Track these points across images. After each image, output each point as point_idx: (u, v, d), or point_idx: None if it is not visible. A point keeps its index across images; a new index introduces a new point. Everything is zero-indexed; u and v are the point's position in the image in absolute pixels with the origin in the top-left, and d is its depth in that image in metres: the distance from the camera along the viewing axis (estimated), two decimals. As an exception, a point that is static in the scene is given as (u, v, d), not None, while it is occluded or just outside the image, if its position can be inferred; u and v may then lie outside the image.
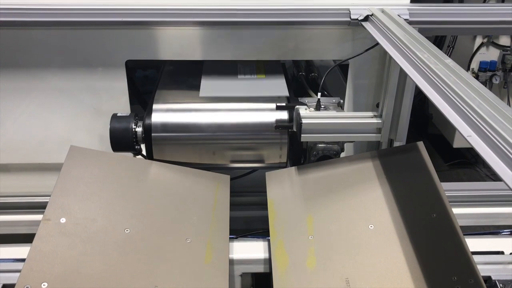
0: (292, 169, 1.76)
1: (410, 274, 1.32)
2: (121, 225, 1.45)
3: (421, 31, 1.63)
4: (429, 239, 1.40)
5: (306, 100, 1.84)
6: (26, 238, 1.51)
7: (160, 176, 1.68)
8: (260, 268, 1.73)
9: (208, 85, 1.88)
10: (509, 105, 3.47)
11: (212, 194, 1.69)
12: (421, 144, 1.65)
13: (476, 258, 1.30)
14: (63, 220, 1.38)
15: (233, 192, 2.16)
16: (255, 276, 1.85)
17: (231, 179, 1.82)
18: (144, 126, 1.74)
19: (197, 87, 1.86)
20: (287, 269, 1.45)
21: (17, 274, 1.23)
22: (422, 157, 1.61)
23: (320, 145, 1.76)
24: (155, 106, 1.76)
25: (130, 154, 1.83)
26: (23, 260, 1.27)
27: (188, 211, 1.59)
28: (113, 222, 1.45)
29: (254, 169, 2.03)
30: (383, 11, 1.76)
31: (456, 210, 1.45)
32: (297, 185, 1.71)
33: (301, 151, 1.81)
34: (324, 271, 1.41)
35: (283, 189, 1.72)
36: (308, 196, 1.65)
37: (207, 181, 1.73)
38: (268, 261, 1.72)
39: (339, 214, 1.56)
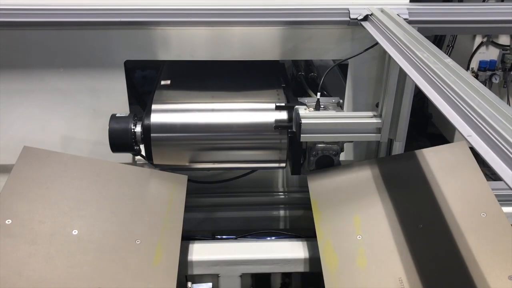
0: (335, 169, 1.76)
1: (464, 273, 1.31)
2: (69, 226, 1.43)
3: (420, 30, 1.62)
4: (480, 239, 1.38)
5: (305, 100, 1.83)
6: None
7: (115, 177, 1.66)
8: (259, 269, 1.73)
9: None
10: (509, 105, 3.46)
11: (168, 194, 1.68)
12: (465, 144, 1.65)
13: (476, 258, 1.30)
14: (8, 221, 1.37)
15: (233, 193, 2.17)
16: (255, 276, 1.85)
17: (231, 179, 1.81)
18: (143, 127, 1.73)
19: (195, 88, 1.86)
20: (338, 269, 1.44)
21: None
22: (469, 157, 1.60)
23: (319, 145, 1.76)
24: (154, 107, 1.76)
25: (129, 155, 1.83)
26: None
27: (141, 212, 1.58)
28: (61, 223, 1.43)
29: (253, 170, 2.03)
30: (382, 10, 1.76)
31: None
32: (342, 185, 1.70)
33: (301, 151, 1.80)
34: (376, 270, 1.40)
35: (326, 189, 1.71)
36: (353, 196, 1.64)
37: (163, 181, 1.72)
38: (268, 262, 1.72)
39: (387, 213, 1.55)
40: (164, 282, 1.40)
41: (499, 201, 1.90)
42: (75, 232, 1.42)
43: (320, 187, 1.72)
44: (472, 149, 0.96)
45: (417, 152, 1.72)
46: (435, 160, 1.66)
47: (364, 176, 1.70)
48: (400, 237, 1.46)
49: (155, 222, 1.56)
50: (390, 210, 1.55)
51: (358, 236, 1.50)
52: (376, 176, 1.69)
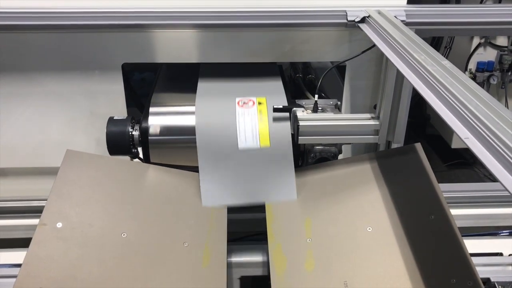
0: None
1: (408, 276, 1.31)
2: (118, 229, 1.44)
3: (418, 32, 1.63)
4: (427, 241, 1.39)
5: (303, 102, 1.83)
6: (24, 243, 1.50)
7: (158, 180, 1.67)
8: (258, 271, 1.72)
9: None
10: (507, 106, 3.46)
11: None
12: (418, 146, 1.65)
13: (474, 260, 1.30)
14: (59, 224, 1.38)
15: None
16: (254, 279, 1.85)
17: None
18: (140, 129, 1.73)
19: (193, 90, 1.86)
20: (285, 272, 1.44)
21: (14, 280, 1.23)
22: (420, 159, 1.60)
23: (317, 147, 1.76)
24: (151, 109, 1.76)
25: (127, 158, 1.83)
26: (20, 265, 1.27)
27: (186, 214, 1.59)
28: (110, 226, 1.44)
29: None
30: (379, 12, 1.76)
31: (454, 211, 1.45)
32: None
33: (299, 154, 1.80)
34: (323, 273, 1.40)
35: None
36: (306, 199, 1.65)
37: None
38: (267, 264, 1.72)
39: (337, 216, 1.55)
40: (214, 285, 1.41)
41: (498, 202, 1.92)
42: (124, 235, 1.43)
43: None
44: (469, 150, 0.96)
45: (370, 154, 1.73)
46: (387, 162, 1.67)
47: (317, 179, 1.70)
48: (349, 240, 1.47)
49: (200, 224, 1.56)
50: (340, 213, 1.55)
51: (308, 239, 1.50)
52: (328, 179, 1.69)
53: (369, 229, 1.47)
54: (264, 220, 1.63)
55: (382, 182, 1.60)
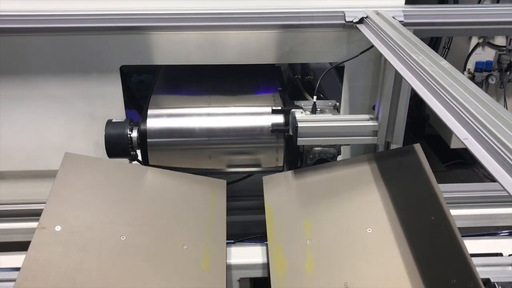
0: (289, 173, 1.76)
1: (409, 277, 1.31)
2: (117, 232, 1.44)
3: (416, 32, 1.62)
4: (427, 242, 1.39)
5: (302, 103, 1.83)
6: (22, 246, 1.50)
7: (156, 182, 1.67)
8: (258, 273, 1.72)
9: None
10: (505, 106, 3.45)
11: (209, 199, 1.68)
12: (418, 146, 1.64)
13: (474, 260, 1.30)
14: (58, 228, 1.37)
15: (230, 197, 2.15)
16: (254, 280, 1.85)
17: (228, 183, 1.81)
18: (139, 132, 1.72)
19: (191, 92, 1.85)
20: (286, 274, 1.44)
21: (13, 284, 1.22)
22: (419, 159, 1.60)
23: (316, 149, 1.76)
24: (150, 112, 1.75)
25: (126, 160, 1.82)
26: (18, 269, 1.26)
27: (185, 217, 1.58)
28: (109, 229, 1.44)
29: (250, 174, 2.02)
30: (377, 13, 1.76)
31: (454, 212, 1.45)
32: (294, 189, 1.70)
33: (298, 155, 1.80)
34: (323, 275, 1.40)
35: (281, 193, 1.71)
36: (305, 200, 1.64)
37: (203, 186, 1.72)
38: (267, 266, 1.71)
39: (337, 218, 1.55)
40: (213, 286, 1.41)
41: (497, 202, 1.92)
42: (123, 237, 1.42)
43: (275, 190, 1.72)
44: (467, 150, 0.96)
45: (369, 155, 1.73)
46: (386, 163, 1.67)
47: (317, 181, 1.70)
48: (349, 241, 1.46)
49: (199, 227, 1.56)
50: (340, 214, 1.55)
51: (308, 240, 1.50)
52: (328, 180, 1.69)
53: (369, 230, 1.47)
54: (264, 222, 1.63)
55: (382, 183, 1.60)
